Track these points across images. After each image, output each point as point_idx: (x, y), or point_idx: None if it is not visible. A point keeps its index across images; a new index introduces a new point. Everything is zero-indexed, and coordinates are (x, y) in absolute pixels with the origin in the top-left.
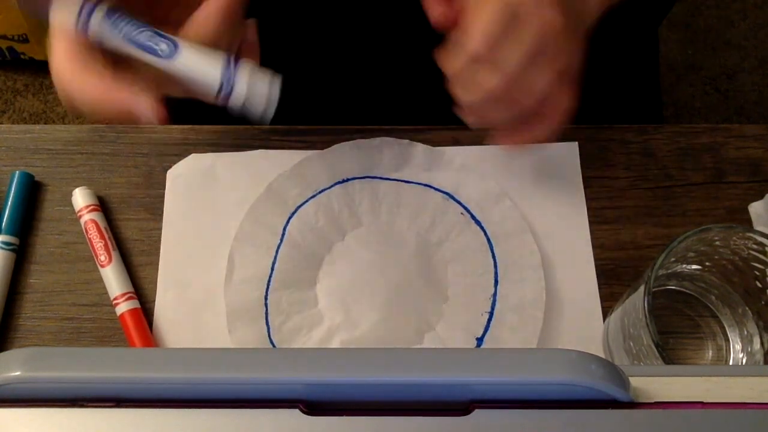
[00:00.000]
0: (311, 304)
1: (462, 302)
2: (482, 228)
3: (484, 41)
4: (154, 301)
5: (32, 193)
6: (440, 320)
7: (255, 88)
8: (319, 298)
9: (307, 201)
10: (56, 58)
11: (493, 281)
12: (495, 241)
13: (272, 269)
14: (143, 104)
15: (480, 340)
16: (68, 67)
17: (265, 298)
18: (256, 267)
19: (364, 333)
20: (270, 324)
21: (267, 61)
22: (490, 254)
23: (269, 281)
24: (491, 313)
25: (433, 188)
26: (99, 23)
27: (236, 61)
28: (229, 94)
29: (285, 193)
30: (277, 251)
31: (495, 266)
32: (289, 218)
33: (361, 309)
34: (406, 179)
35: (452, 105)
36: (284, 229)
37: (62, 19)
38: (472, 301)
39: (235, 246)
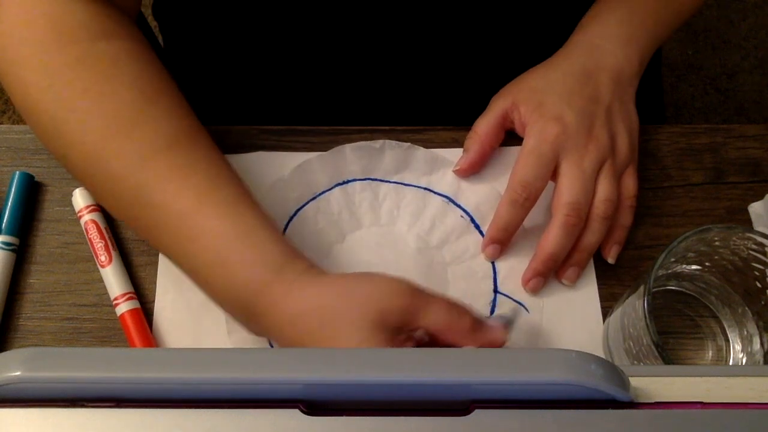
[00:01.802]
0: None
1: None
2: (481, 232)
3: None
4: (154, 301)
5: (32, 193)
6: None
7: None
8: None
9: (306, 203)
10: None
11: (492, 286)
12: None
13: None
14: None
15: None
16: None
17: None
18: None
19: None
20: None
21: (268, 62)
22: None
23: None
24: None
25: (433, 192)
26: None
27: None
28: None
29: (284, 195)
30: None
31: (494, 271)
32: (289, 221)
33: None
34: (406, 182)
35: (452, 105)
36: (284, 232)
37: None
38: (472, 305)
39: None
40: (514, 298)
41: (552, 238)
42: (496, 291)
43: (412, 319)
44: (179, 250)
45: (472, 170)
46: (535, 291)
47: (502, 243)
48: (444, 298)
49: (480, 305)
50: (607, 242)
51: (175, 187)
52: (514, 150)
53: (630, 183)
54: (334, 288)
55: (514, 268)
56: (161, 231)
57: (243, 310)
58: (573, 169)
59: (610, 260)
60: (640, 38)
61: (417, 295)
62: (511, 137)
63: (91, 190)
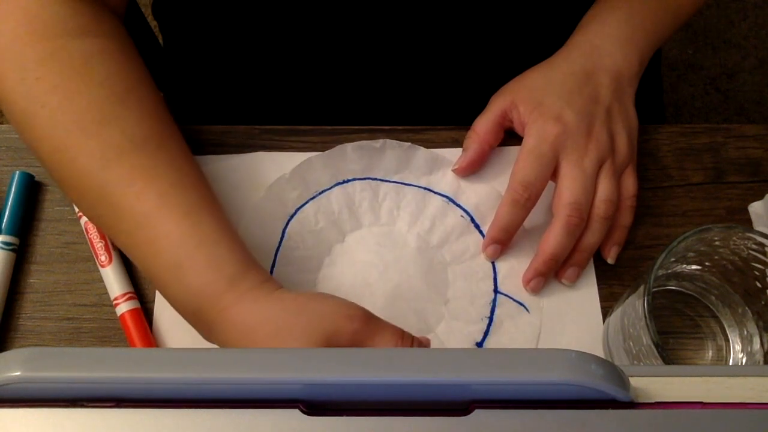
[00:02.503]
0: None
1: (462, 306)
2: (481, 232)
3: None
4: (154, 301)
5: (32, 193)
6: (440, 322)
7: None
8: None
9: (306, 203)
10: None
11: (492, 286)
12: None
13: (271, 272)
14: None
15: (480, 345)
16: None
17: None
18: None
19: None
20: None
21: (269, 61)
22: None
23: None
24: (491, 318)
25: (433, 192)
26: None
27: None
28: None
29: (284, 195)
30: (276, 254)
31: (494, 271)
32: (289, 220)
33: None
34: (406, 182)
35: (452, 105)
36: (283, 231)
37: None
38: (472, 305)
39: None
40: (514, 297)
41: (554, 239)
42: (496, 291)
43: (360, 345)
44: (138, 253)
45: (471, 169)
46: (536, 291)
47: (502, 243)
48: (396, 328)
49: (480, 305)
50: (607, 243)
51: (137, 190)
52: (513, 150)
53: (630, 183)
54: (287, 304)
55: (514, 268)
56: (122, 232)
57: (196, 317)
58: (574, 169)
59: (610, 260)
60: (640, 39)
61: (369, 321)
62: (510, 137)
63: (58, 185)
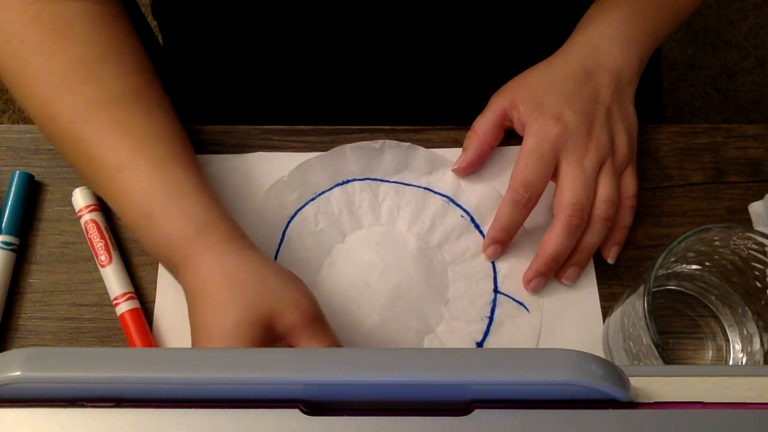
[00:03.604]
0: None
1: (462, 306)
2: (482, 232)
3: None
4: (154, 301)
5: (32, 193)
6: (440, 322)
7: None
8: (319, 301)
9: (306, 204)
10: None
11: (492, 286)
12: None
13: None
14: None
15: (480, 345)
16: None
17: None
18: None
19: (364, 335)
20: None
21: (268, 61)
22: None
23: None
24: (491, 318)
25: (433, 192)
26: None
27: None
28: None
29: (283, 197)
30: (276, 255)
31: (494, 271)
32: (288, 222)
33: (361, 311)
34: (406, 182)
35: (452, 105)
36: (283, 233)
37: None
38: (472, 305)
39: None
40: (515, 297)
41: (555, 239)
42: (496, 291)
43: (296, 338)
44: (114, 203)
45: (471, 169)
46: (537, 291)
47: (503, 243)
48: (334, 342)
49: (480, 305)
50: (607, 243)
51: (112, 142)
52: (513, 149)
53: (630, 183)
54: (249, 265)
55: (514, 268)
56: (99, 183)
57: (165, 261)
58: (574, 169)
59: (610, 260)
60: (640, 39)
61: (313, 322)
62: (510, 136)
63: (47, 138)
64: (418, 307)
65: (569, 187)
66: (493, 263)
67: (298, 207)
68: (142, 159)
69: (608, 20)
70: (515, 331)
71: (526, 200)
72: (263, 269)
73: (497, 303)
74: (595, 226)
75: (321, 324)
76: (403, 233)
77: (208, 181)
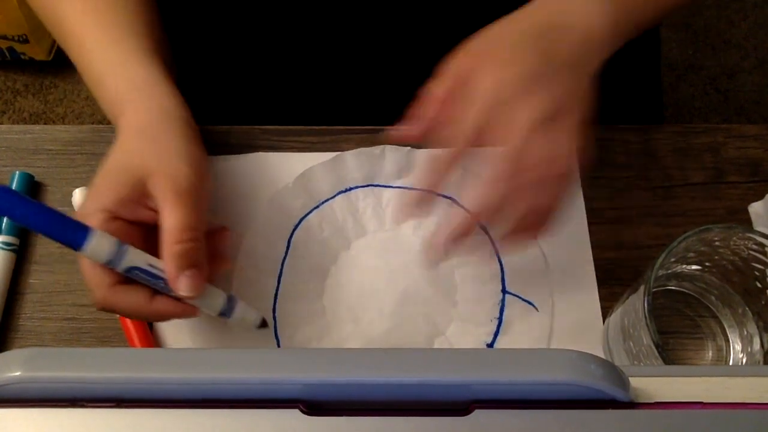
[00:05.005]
0: (319, 315)
1: (471, 308)
2: (487, 232)
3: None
4: None
5: (32, 193)
6: (450, 325)
7: (246, 320)
8: (326, 308)
9: (310, 212)
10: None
11: (500, 287)
12: (501, 245)
13: (278, 282)
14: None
15: (490, 346)
16: (108, 280)
17: (273, 311)
18: (263, 281)
19: (374, 340)
20: (279, 336)
21: (268, 62)
22: (496, 259)
23: (276, 294)
24: (500, 319)
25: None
26: (127, 261)
27: (230, 299)
28: (228, 316)
29: (288, 205)
30: (282, 264)
31: (502, 272)
32: (293, 230)
33: (369, 317)
34: (409, 186)
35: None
36: (289, 241)
37: (96, 253)
38: (481, 307)
39: (242, 261)
40: (523, 297)
41: (480, 194)
42: (504, 291)
43: (160, 205)
44: (82, 72)
45: (418, 138)
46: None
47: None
48: (192, 222)
49: (489, 306)
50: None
51: (85, 20)
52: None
53: (563, 142)
54: (162, 129)
55: (522, 268)
56: (73, 55)
57: (114, 120)
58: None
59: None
60: None
61: (182, 196)
62: None
63: (43, 23)
64: (426, 311)
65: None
66: (500, 263)
67: (303, 215)
68: (105, 33)
69: None
70: (526, 331)
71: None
72: (166, 134)
73: (506, 303)
74: (530, 188)
75: (185, 201)
76: (408, 237)
77: (165, 48)
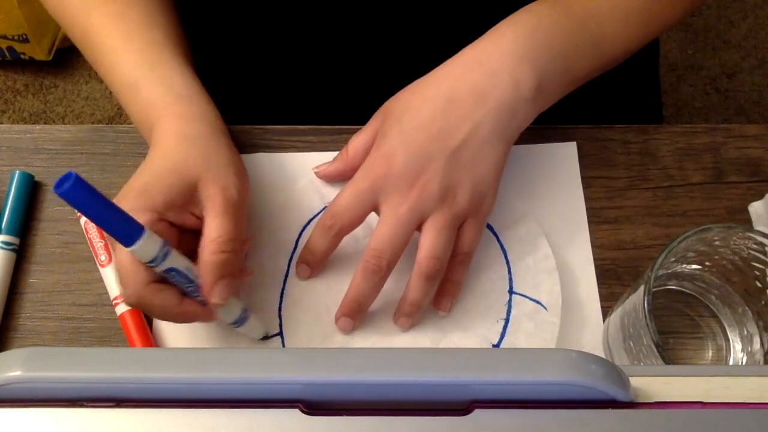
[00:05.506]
0: (325, 315)
1: (477, 308)
2: (494, 233)
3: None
4: None
5: (32, 193)
6: (456, 326)
7: (256, 331)
8: (332, 308)
9: (319, 212)
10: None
11: (507, 287)
12: (508, 246)
13: (285, 280)
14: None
15: (497, 347)
16: (145, 278)
17: (279, 310)
18: (269, 281)
19: (378, 341)
20: (284, 335)
21: (269, 61)
22: (503, 259)
23: (282, 293)
24: (507, 320)
25: None
26: (168, 263)
27: (245, 310)
28: (238, 325)
29: (297, 206)
30: (289, 263)
31: (509, 272)
32: (302, 231)
33: (375, 317)
34: None
35: None
36: (296, 241)
37: (143, 251)
38: (488, 307)
39: (249, 262)
40: (531, 297)
41: (354, 281)
42: (511, 291)
43: (206, 211)
44: (109, 80)
45: (330, 180)
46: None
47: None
48: (235, 235)
49: (496, 307)
50: (437, 295)
51: (109, 29)
52: (520, 149)
53: (466, 238)
54: (208, 138)
55: (529, 267)
56: (100, 66)
57: (146, 129)
58: (387, 215)
59: (442, 314)
60: (540, 58)
61: (230, 206)
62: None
63: (62, 28)
64: (432, 311)
65: (376, 232)
66: (507, 263)
67: (312, 215)
68: (134, 41)
69: (507, 34)
70: (533, 331)
71: (329, 227)
72: (216, 143)
73: (513, 303)
74: (416, 282)
75: (233, 213)
76: (416, 237)
77: (191, 63)
